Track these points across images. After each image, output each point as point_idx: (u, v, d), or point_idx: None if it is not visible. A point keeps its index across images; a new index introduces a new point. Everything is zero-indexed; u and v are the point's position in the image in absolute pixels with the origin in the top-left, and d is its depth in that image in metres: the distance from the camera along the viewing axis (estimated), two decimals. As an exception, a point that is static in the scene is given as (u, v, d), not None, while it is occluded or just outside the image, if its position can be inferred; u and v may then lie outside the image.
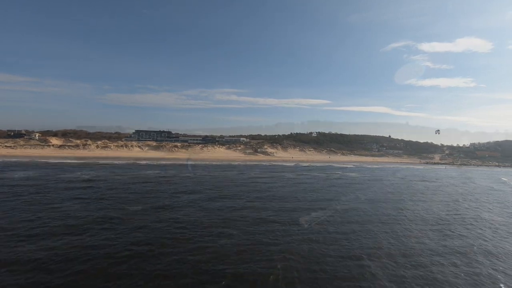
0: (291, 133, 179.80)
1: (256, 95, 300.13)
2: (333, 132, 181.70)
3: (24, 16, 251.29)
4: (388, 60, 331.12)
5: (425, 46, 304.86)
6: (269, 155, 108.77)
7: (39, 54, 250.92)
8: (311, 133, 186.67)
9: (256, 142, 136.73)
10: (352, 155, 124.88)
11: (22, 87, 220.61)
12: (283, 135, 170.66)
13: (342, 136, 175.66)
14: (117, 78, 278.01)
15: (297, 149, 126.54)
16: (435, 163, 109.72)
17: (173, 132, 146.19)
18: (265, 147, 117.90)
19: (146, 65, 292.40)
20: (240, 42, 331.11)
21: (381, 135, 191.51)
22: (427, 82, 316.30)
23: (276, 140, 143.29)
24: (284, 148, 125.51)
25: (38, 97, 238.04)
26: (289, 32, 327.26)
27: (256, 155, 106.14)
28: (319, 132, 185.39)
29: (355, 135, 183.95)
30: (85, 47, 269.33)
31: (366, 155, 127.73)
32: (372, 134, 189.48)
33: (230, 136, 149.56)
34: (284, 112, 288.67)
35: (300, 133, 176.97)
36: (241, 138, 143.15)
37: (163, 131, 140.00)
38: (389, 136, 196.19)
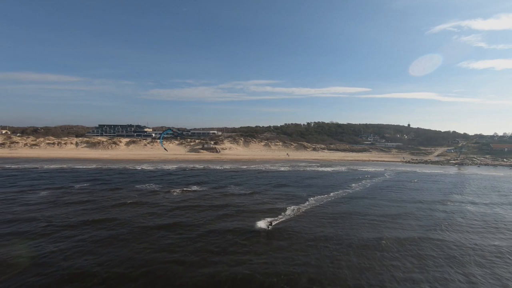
0: (285, 124, 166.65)
1: (291, 86, 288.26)
2: (334, 121, 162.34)
3: (70, 19, 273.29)
4: (435, 43, 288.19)
5: (480, 24, 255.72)
6: (217, 152, 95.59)
7: (88, 55, 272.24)
8: (308, 123, 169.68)
9: (227, 135, 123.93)
10: (325, 151, 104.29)
11: (75, 86, 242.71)
12: (274, 126, 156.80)
13: (338, 126, 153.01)
14: (157, 75, 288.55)
15: (262, 144, 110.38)
16: (426, 161, 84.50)
17: (148, 127, 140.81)
18: (217, 143, 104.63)
19: (185, 61, 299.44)
20: (280, 34, 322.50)
21: (399, 124, 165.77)
22: (480, 65, 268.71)
23: (253, 133, 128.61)
24: (247, 143, 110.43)
25: (88, 95, 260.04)
26: (331, 23, 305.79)
27: (199, 152, 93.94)
28: (315, 123, 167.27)
29: (357, 124, 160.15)
30: (128, 46, 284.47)
31: (345, 150, 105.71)
32: (390, 123, 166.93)
33: (203, 129, 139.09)
34: (320, 101, 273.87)
35: (290, 124, 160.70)
36: (211, 132, 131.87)
37: (131, 125, 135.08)
38: (408, 125, 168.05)
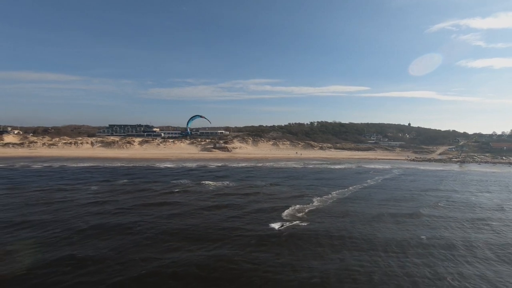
0: (289, 123, 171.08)
1: (290, 84, 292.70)
2: (337, 121, 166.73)
3: (69, 18, 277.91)
4: (434, 42, 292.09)
5: (478, 23, 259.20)
6: (229, 151, 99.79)
7: (88, 55, 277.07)
8: (311, 123, 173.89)
9: (235, 134, 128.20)
10: (332, 150, 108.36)
11: (74, 85, 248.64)
12: (278, 126, 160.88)
13: (341, 126, 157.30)
14: (157, 74, 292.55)
15: (270, 143, 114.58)
16: (430, 159, 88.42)
17: (154, 126, 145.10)
18: (227, 142, 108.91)
19: (184, 60, 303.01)
20: (280, 34, 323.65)
21: (400, 123, 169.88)
22: (479, 63, 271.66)
23: (260, 132, 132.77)
24: (256, 142, 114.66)
25: (88, 94, 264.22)
26: (331, 23, 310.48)
27: (212, 151, 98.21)
28: (319, 122, 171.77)
29: (359, 123, 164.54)
30: (127, 45, 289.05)
31: (351, 149, 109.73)
32: (390, 122, 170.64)
33: (209, 128, 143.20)
34: (320, 100, 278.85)
35: (294, 124, 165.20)
36: (218, 131, 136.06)
37: (140, 125, 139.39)
38: (409, 124, 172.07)
